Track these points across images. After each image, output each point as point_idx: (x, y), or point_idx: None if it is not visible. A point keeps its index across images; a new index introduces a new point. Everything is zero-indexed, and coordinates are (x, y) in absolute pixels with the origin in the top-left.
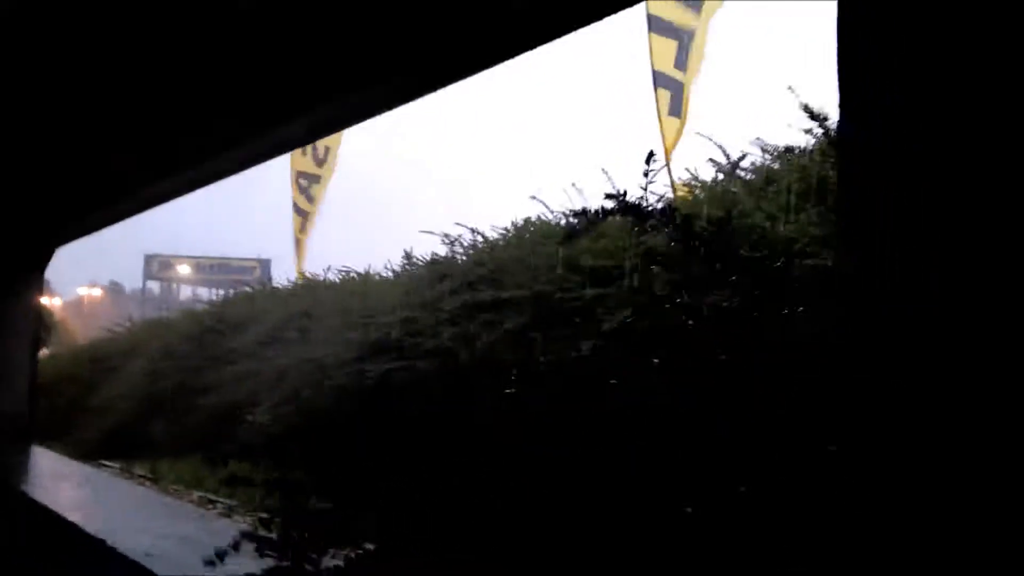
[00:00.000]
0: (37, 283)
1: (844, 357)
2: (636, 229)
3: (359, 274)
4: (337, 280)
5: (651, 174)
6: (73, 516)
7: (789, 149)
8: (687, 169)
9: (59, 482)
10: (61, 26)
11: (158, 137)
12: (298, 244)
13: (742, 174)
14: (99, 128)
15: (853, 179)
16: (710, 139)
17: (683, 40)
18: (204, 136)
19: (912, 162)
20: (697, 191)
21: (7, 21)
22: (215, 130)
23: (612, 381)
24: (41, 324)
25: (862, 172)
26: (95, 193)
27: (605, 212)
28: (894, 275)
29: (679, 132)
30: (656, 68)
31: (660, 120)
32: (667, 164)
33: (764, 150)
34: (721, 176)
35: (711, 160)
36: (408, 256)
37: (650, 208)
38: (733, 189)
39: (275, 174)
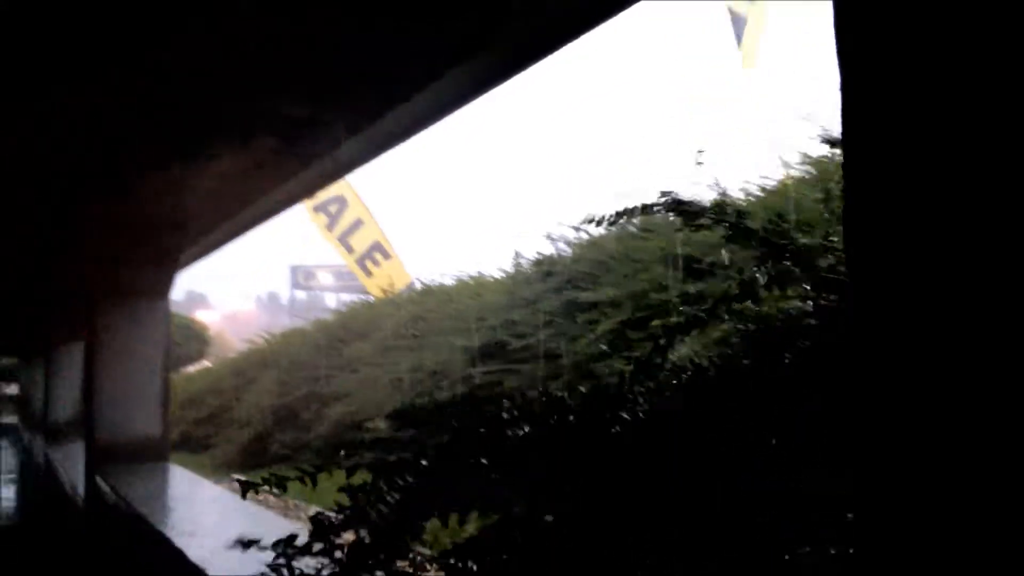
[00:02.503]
0: (163, 310)
1: (849, 362)
2: (685, 228)
3: (471, 276)
4: (451, 283)
5: (702, 166)
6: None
7: None
8: (799, 151)
9: (178, 504)
10: None
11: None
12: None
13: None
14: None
15: (857, 178)
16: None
17: None
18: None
19: (917, 161)
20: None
21: None
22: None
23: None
24: (170, 349)
25: (866, 171)
26: (210, 213)
27: (645, 208)
28: (900, 278)
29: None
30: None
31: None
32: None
33: None
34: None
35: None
36: (517, 255)
37: (699, 205)
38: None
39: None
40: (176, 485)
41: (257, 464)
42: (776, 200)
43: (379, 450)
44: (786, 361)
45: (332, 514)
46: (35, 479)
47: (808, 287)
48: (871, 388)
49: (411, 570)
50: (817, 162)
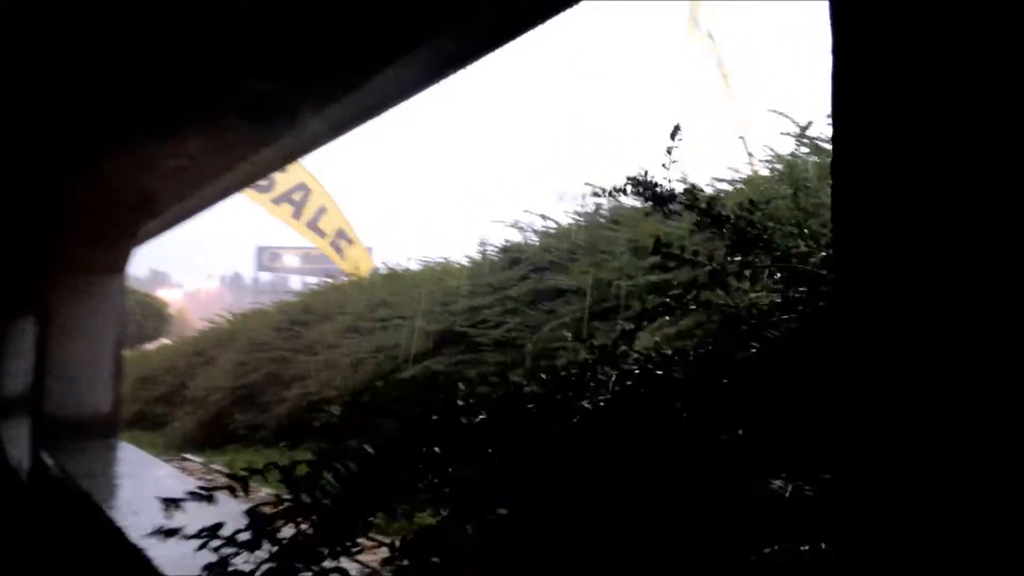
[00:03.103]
0: (118, 286)
1: (833, 360)
2: (650, 214)
3: (437, 262)
4: (418, 268)
5: (674, 150)
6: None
7: None
8: (766, 147)
9: (123, 481)
10: None
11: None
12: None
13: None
14: (173, 117)
15: (847, 177)
16: (781, 113)
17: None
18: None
19: (909, 159)
20: (767, 169)
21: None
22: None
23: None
24: (124, 326)
25: (857, 169)
26: (171, 189)
27: (616, 190)
28: (889, 278)
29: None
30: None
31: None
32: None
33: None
34: (805, 150)
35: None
36: (483, 243)
37: (669, 191)
38: (802, 160)
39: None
40: (124, 463)
41: (212, 444)
42: (746, 194)
43: (328, 437)
44: (752, 351)
45: (268, 507)
46: None
47: (778, 277)
48: (858, 384)
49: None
50: (786, 159)
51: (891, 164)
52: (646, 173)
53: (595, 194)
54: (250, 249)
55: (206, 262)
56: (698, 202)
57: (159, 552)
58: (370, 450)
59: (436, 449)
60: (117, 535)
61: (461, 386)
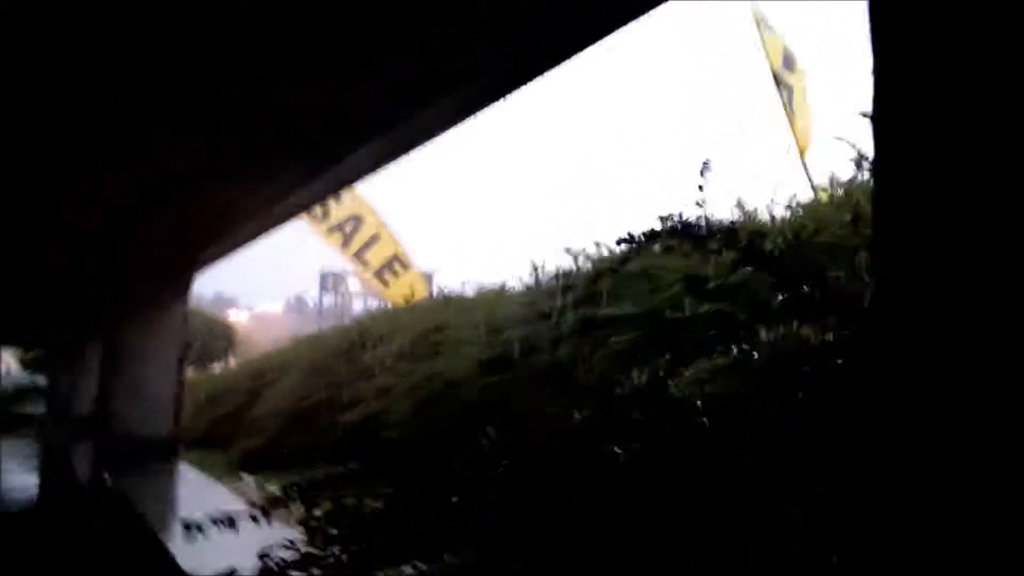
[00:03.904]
0: (181, 309)
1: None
2: (692, 254)
3: (491, 288)
4: (472, 294)
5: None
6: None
7: None
8: (828, 172)
9: (177, 501)
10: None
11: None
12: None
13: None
14: (233, 151)
15: (888, 175)
16: (841, 138)
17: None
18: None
19: (949, 158)
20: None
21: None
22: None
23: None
24: (186, 351)
25: (897, 168)
26: (227, 221)
27: (651, 236)
28: (929, 278)
29: (805, 132)
30: (774, 67)
31: (790, 121)
32: (804, 165)
33: None
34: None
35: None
36: (536, 268)
37: (704, 228)
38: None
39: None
40: (181, 485)
41: (270, 466)
42: (803, 222)
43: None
44: (792, 396)
45: (282, 553)
46: (54, 470)
47: (827, 315)
48: (889, 389)
49: None
50: (846, 185)
51: (932, 170)
52: (680, 215)
53: (627, 240)
54: (315, 273)
55: (272, 286)
56: (738, 241)
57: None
58: (379, 506)
59: (454, 499)
60: (168, 559)
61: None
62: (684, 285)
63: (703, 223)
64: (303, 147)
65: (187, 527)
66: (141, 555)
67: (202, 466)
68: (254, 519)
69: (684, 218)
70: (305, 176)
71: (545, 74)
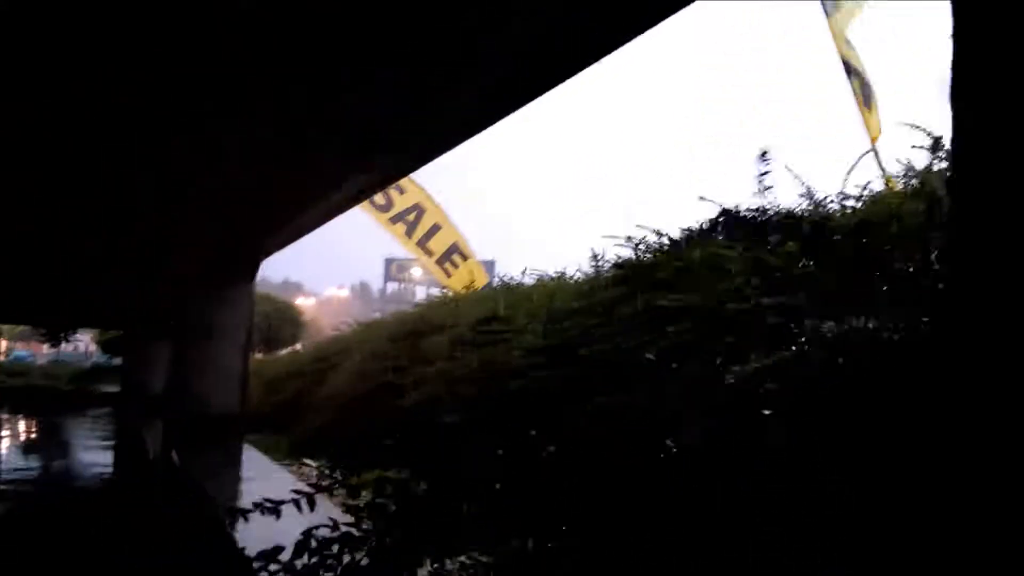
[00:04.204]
0: (248, 292)
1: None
2: (755, 243)
3: (551, 277)
4: (532, 282)
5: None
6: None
7: None
8: (898, 160)
9: (239, 483)
10: None
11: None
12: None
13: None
14: (307, 127)
15: (969, 155)
16: (915, 125)
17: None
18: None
19: None
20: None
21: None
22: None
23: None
24: (252, 330)
25: (979, 148)
26: (289, 207)
27: (713, 225)
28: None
29: (877, 123)
30: (844, 56)
31: (859, 107)
32: (875, 156)
33: None
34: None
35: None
36: (596, 257)
37: (759, 218)
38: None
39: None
40: (244, 466)
41: (330, 448)
42: (875, 211)
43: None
44: (858, 390)
45: (326, 530)
46: (128, 447)
47: (898, 305)
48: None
49: None
50: (920, 173)
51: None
52: (736, 208)
53: (686, 233)
54: (379, 260)
55: (338, 272)
56: (798, 230)
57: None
58: (423, 487)
59: (497, 486)
60: (229, 540)
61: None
62: (746, 276)
63: (766, 213)
64: (364, 137)
65: (232, 512)
66: (202, 532)
67: (266, 447)
68: (297, 505)
69: (747, 208)
70: (365, 164)
71: (603, 58)
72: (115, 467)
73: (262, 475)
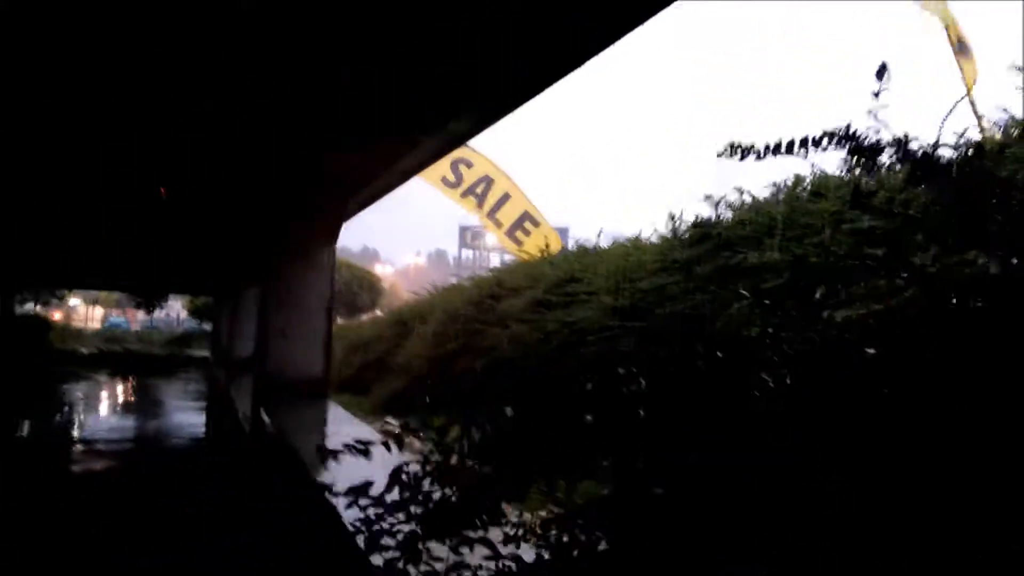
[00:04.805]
0: (330, 255)
1: None
2: (859, 170)
3: (628, 239)
4: (607, 246)
5: (881, 95)
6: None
7: None
8: (1001, 107)
9: (326, 438)
10: None
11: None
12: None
13: None
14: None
15: None
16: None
17: None
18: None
19: None
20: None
21: None
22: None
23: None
24: (334, 292)
25: None
26: (367, 169)
27: (813, 141)
28: None
29: (973, 69)
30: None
31: (956, 57)
32: (971, 103)
33: None
34: None
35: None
36: (673, 218)
37: (875, 141)
38: None
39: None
40: (330, 423)
41: (409, 409)
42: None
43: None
44: (956, 331)
45: (417, 467)
46: (218, 407)
47: (1010, 242)
48: None
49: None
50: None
51: None
52: (848, 126)
53: (786, 147)
54: (454, 228)
55: (415, 241)
56: (911, 152)
57: (350, 513)
58: (511, 412)
59: (588, 417)
60: (315, 489)
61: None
62: (836, 218)
63: (874, 135)
64: (433, 101)
65: (321, 452)
66: (293, 485)
67: (348, 409)
68: (386, 446)
69: (853, 129)
70: (435, 128)
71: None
72: (207, 426)
73: (347, 431)
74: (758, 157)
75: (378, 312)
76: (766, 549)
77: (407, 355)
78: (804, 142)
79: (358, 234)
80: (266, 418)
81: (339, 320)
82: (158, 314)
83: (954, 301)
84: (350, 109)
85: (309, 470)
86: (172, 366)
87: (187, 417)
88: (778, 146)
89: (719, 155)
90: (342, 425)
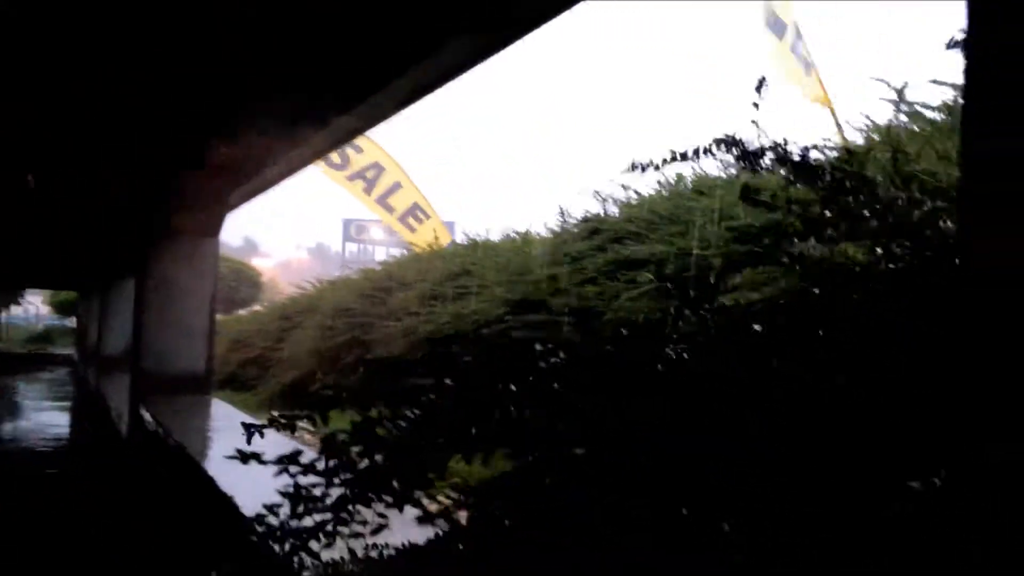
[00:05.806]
0: (212, 250)
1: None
2: (742, 171)
3: (517, 233)
4: (498, 239)
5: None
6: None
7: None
8: (863, 115)
9: (216, 435)
10: None
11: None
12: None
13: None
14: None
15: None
16: (880, 79)
17: None
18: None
19: None
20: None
21: None
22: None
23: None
24: (217, 288)
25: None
26: (253, 160)
27: (704, 151)
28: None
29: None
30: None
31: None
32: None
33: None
34: (904, 118)
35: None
36: (563, 213)
37: (761, 147)
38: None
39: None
40: (216, 419)
41: (298, 404)
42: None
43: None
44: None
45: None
46: (86, 407)
47: (876, 227)
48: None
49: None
50: (882, 127)
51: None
52: (734, 134)
53: (678, 157)
54: (337, 222)
55: (295, 234)
56: (790, 155)
57: (245, 501)
58: (447, 381)
59: (512, 387)
60: (208, 483)
61: (537, 347)
62: (714, 225)
63: (755, 140)
64: (322, 91)
65: (248, 428)
66: (181, 481)
67: (233, 405)
68: (276, 426)
69: (736, 136)
70: (324, 120)
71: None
72: (78, 426)
73: (235, 426)
74: (656, 169)
75: (258, 307)
76: (668, 516)
77: (293, 350)
78: (697, 151)
79: (237, 225)
80: (147, 415)
81: (217, 315)
82: (15, 310)
83: (827, 286)
84: (234, 96)
85: (199, 465)
86: (34, 365)
87: (53, 417)
88: (675, 156)
89: (623, 172)
90: (232, 420)
